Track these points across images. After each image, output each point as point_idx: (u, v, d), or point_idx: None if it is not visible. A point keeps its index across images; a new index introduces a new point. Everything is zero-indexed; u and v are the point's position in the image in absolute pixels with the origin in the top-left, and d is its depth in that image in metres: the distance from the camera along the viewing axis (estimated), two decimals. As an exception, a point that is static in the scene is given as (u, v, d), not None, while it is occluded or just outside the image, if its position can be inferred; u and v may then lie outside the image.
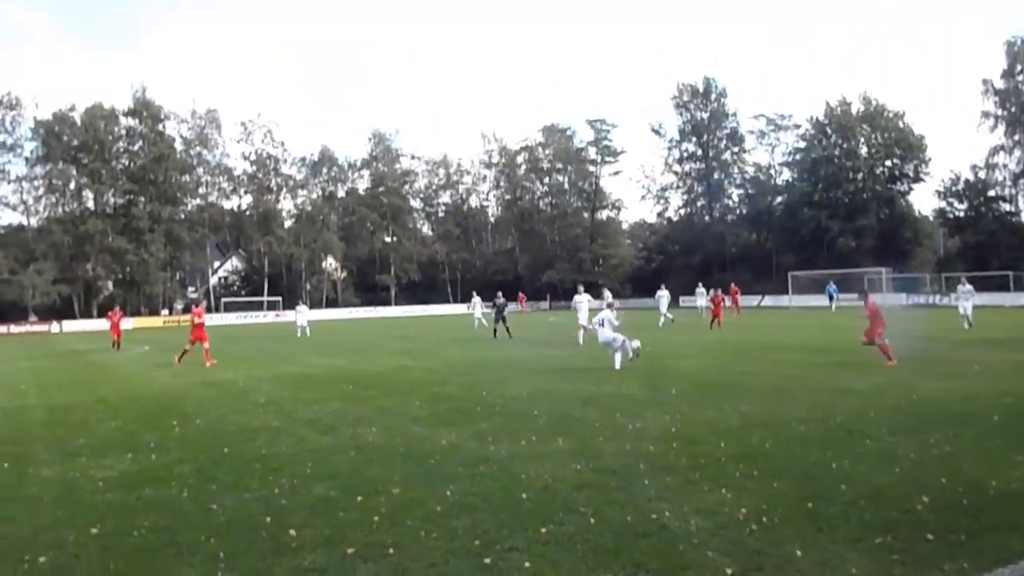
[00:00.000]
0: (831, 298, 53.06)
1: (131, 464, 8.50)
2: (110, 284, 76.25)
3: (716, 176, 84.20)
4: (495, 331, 28.82)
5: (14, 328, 59.50)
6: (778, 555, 4.93)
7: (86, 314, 69.83)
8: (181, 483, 7.49)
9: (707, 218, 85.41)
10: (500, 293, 31.10)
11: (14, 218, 76.98)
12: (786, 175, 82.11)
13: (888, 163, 73.94)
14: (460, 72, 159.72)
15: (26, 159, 74.45)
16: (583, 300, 25.67)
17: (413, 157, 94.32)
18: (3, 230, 75.20)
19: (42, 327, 61.44)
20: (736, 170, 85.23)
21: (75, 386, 17.52)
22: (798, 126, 78.98)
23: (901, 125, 73.15)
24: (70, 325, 63.28)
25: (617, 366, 16.12)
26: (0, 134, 72.88)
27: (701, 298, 36.89)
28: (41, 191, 75.10)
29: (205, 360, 21.27)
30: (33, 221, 76.21)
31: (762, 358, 18.68)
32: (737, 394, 12.19)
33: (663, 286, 37.09)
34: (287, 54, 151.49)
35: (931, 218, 76.14)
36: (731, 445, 8.27)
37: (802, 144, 77.79)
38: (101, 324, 53.55)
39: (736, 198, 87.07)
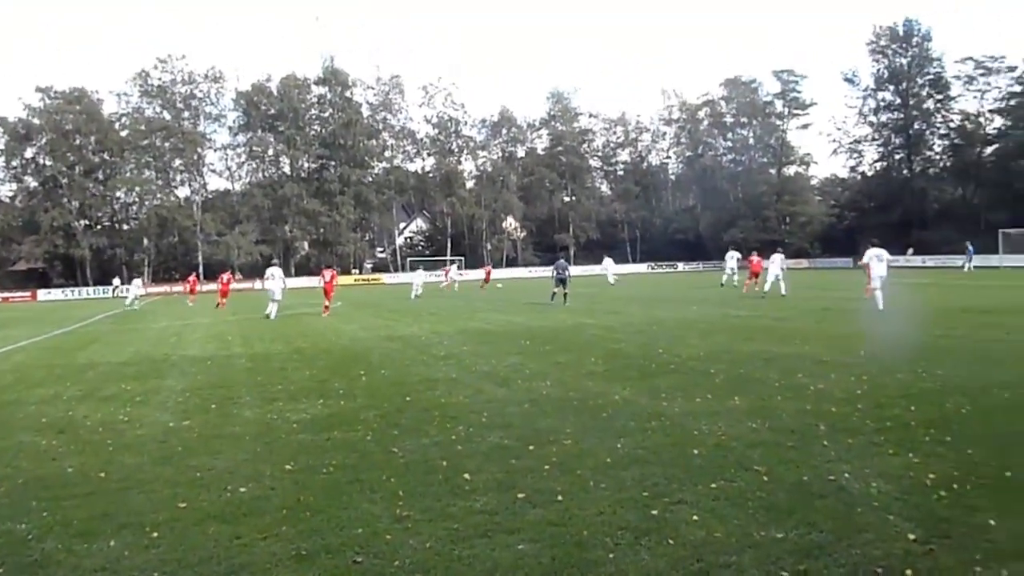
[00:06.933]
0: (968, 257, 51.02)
1: (322, 409, 9.10)
2: (306, 244, 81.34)
3: (916, 126, 78.01)
4: (553, 295, 27.73)
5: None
6: (968, 524, 4.60)
7: (285, 273, 74.62)
8: (366, 427, 7.95)
9: (906, 172, 79.35)
10: (561, 258, 30.31)
11: (220, 183, 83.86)
12: (998, 123, 74.48)
13: None
14: (638, 27, 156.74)
15: (229, 128, 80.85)
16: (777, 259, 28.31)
17: (591, 115, 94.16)
18: (211, 195, 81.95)
19: (246, 284, 66.35)
20: (939, 119, 78.35)
21: (274, 338, 18.85)
22: (1012, 68, 71.09)
23: None
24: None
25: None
26: (206, 105, 79.19)
27: (731, 261, 35.55)
28: (243, 158, 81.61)
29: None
30: (237, 186, 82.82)
31: (965, 321, 17.29)
32: (933, 357, 11.33)
33: (730, 248, 39.17)
34: (464, 16, 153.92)
35: None
36: (922, 409, 7.75)
37: (1018, 88, 70.33)
38: (299, 282, 57.39)
39: (939, 150, 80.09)
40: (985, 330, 14.95)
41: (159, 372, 13.20)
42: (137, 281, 44.63)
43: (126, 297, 42.45)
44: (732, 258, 36.53)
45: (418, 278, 39.83)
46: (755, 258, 32.20)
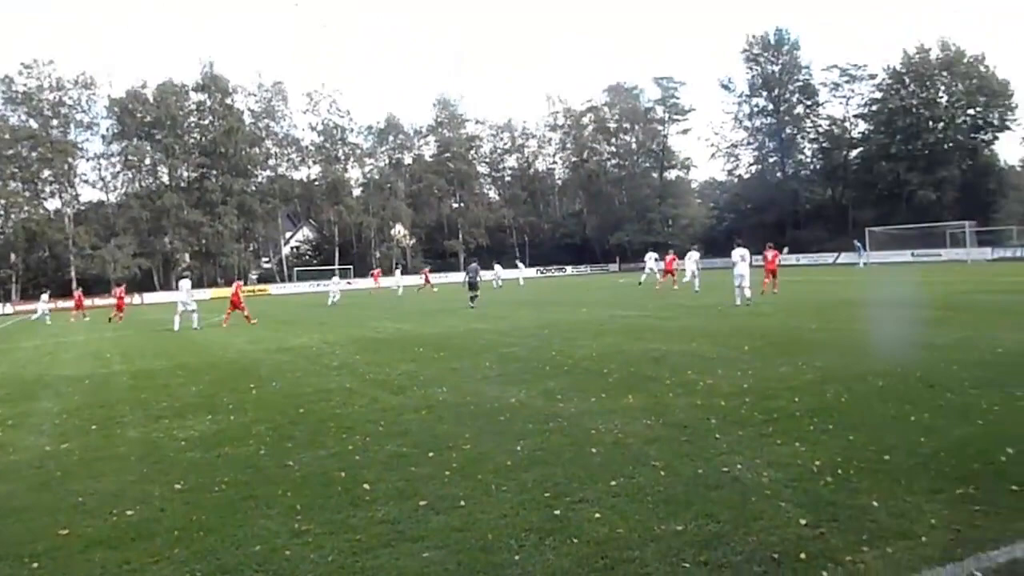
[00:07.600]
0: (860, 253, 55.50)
1: (211, 425, 8.79)
2: (187, 256, 78.39)
3: (788, 131, 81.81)
4: (472, 299, 28.86)
5: (98, 301, 61.67)
6: (853, 506, 4.84)
7: (165, 286, 71.88)
8: (259, 442, 7.72)
9: (779, 174, 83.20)
10: (474, 263, 32.17)
11: (94, 195, 79.68)
12: (861, 128, 78.98)
13: (971, 112, 70.74)
14: (522, 34, 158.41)
15: (103, 137, 76.82)
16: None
17: (478, 122, 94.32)
18: (84, 206, 77.69)
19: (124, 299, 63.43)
20: (809, 124, 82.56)
21: (157, 354, 18.12)
22: (873, 76, 75.63)
23: (983, 69, 69.71)
24: (151, 297, 65.35)
25: None
26: (77, 113, 75.24)
27: (651, 261, 38.57)
28: (118, 167, 77.65)
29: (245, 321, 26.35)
30: (112, 197, 78.90)
31: (838, 315, 18.24)
32: (812, 350, 11.92)
33: (650, 251, 42.80)
34: (347, 22, 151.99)
35: (1019, 168, 72.60)
36: (805, 400, 8.11)
37: (878, 95, 74.59)
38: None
39: (809, 153, 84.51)
40: (856, 322, 15.78)
41: (31, 394, 12.48)
42: (44, 296, 44.23)
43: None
44: (650, 258, 38.93)
45: (335, 285, 40.15)
46: (670, 256, 34.40)
